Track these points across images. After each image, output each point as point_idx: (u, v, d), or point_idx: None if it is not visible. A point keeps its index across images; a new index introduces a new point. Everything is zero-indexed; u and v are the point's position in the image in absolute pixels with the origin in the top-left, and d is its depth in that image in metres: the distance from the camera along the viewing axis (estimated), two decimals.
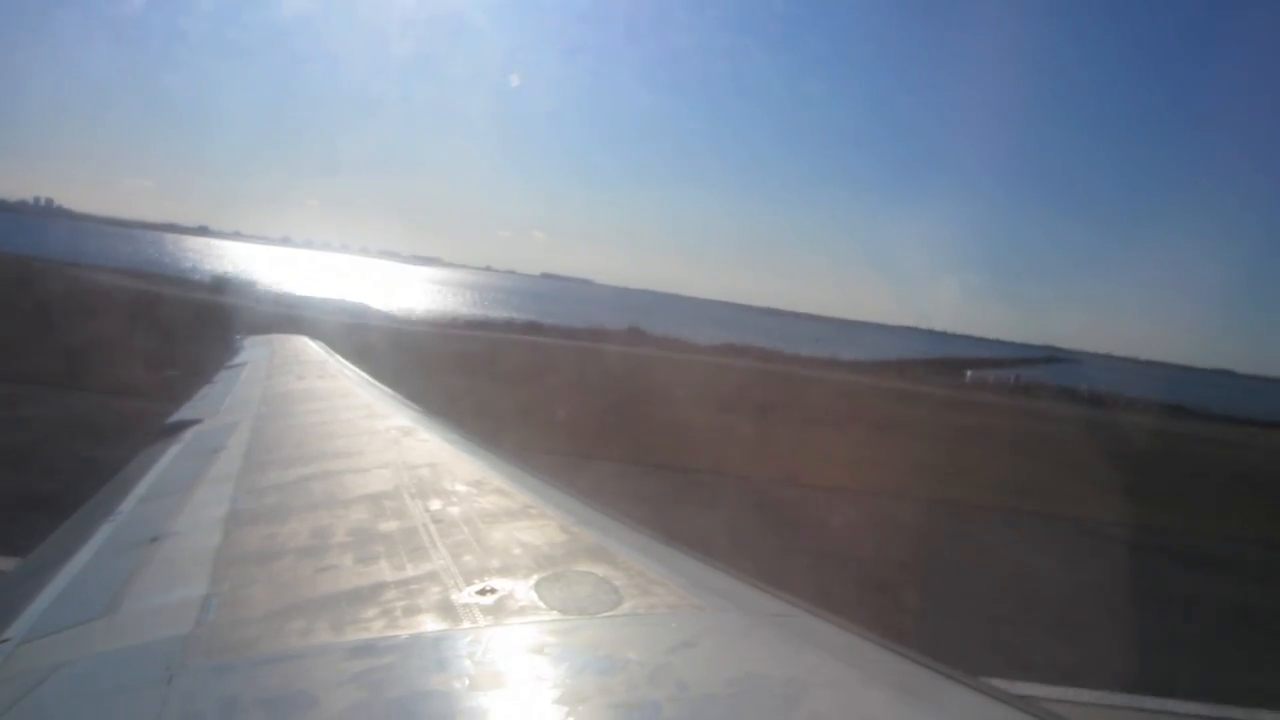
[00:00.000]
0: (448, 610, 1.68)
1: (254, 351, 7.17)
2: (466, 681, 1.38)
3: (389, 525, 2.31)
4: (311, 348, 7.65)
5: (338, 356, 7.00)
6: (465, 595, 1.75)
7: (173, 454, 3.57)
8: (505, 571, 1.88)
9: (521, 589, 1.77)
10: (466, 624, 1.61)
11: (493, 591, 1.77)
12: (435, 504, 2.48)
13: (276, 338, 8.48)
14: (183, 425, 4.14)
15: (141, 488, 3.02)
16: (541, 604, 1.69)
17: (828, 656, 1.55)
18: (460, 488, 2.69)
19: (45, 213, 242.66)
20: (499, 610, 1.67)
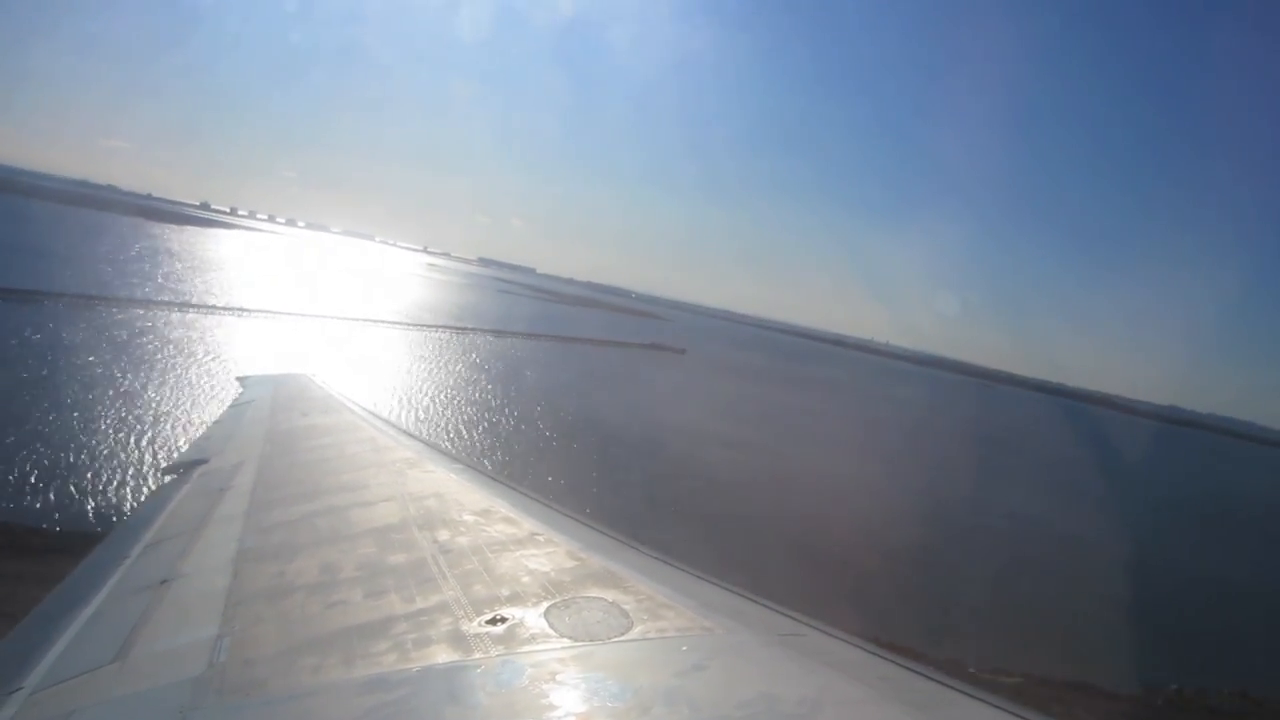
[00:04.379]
0: (459, 641, 1.67)
1: (256, 390, 7.20)
2: (479, 712, 1.38)
3: (397, 558, 2.31)
4: (314, 384, 7.68)
5: (340, 391, 7.03)
6: (476, 625, 1.75)
7: (180, 495, 3.58)
8: (515, 600, 1.88)
9: (532, 617, 1.77)
10: (478, 654, 1.61)
11: (503, 621, 1.77)
12: (443, 534, 2.48)
13: (279, 376, 8.52)
14: (189, 465, 4.16)
15: (150, 530, 3.02)
16: (552, 631, 1.69)
17: (839, 675, 1.54)
18: (467, 517, 2.68)
19: None
20: (510, 639, 1.67)
